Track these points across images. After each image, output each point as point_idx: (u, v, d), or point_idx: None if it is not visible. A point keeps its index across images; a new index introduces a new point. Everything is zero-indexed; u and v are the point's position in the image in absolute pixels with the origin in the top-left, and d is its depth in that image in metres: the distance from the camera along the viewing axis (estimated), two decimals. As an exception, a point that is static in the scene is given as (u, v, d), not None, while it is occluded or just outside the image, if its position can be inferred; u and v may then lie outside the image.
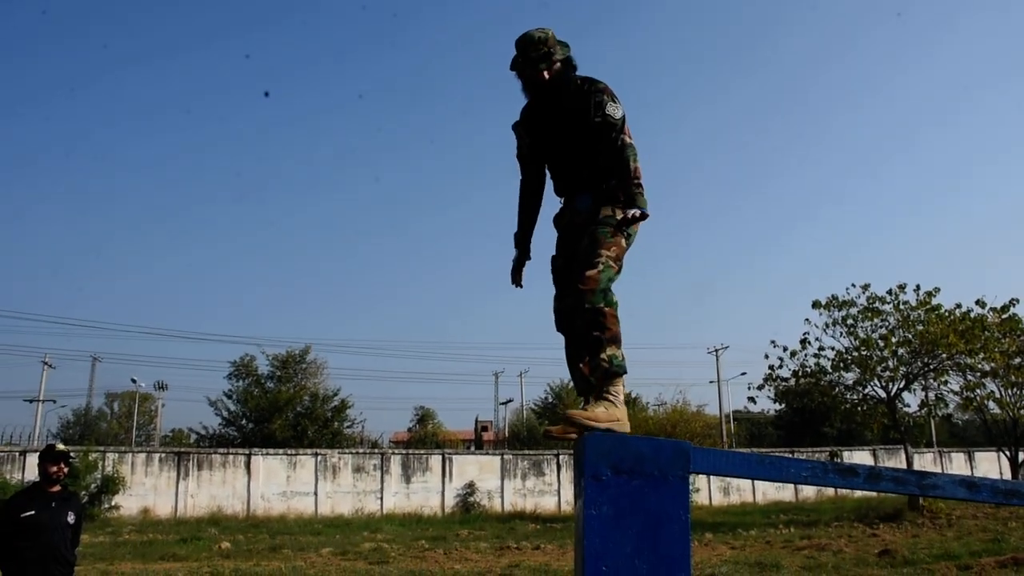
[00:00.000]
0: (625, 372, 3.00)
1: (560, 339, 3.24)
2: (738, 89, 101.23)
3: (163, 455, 26.49)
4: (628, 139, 3.13)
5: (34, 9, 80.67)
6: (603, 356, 2.96)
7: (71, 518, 5.45)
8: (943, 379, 22.45)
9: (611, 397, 2.95)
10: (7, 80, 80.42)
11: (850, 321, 22.85)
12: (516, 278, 3.49)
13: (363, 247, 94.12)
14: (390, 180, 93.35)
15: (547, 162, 3.41)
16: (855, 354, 22.65)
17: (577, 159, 3.26)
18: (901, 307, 22.43)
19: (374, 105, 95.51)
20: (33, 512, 5.24)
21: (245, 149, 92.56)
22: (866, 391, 23.50)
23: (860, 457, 35.16)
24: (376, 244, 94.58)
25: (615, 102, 3.15)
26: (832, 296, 23.16)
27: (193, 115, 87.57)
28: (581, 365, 3.07)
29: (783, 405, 44.21)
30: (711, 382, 49.14)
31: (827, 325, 23.18)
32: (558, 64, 3.22)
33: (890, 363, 22.28)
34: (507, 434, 49.21)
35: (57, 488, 5.43)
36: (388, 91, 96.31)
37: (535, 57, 3.18)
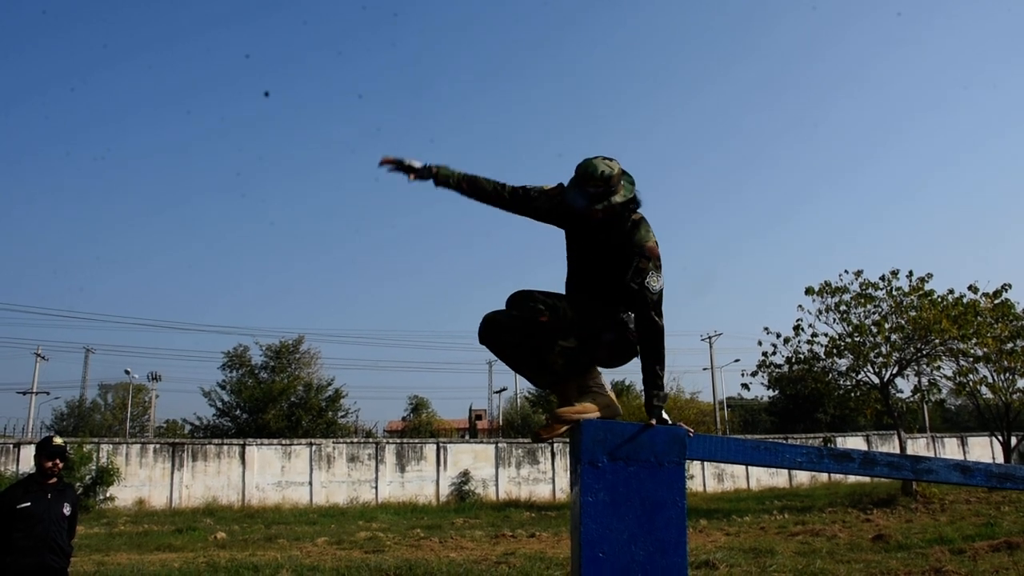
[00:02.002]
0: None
1: None
2: (731, 78, 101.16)
3: (157, 446, 26.42)
4: (661, 321, 2.84)
5: (34, 8, 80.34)
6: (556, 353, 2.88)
7: (67, 509, 5.46)
8: (936, 364, 22.52)
9: (595, 388, 2.93)
10: (7, 77, 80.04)
11: (843, 307, 22.88)
12: (389, 160, 3.07)
13: (356, 238, 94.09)
14: (386, 176, 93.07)
15: (578, 273, 3.10)
16: (848, 340, 22.68)
17: (613, 297, 2.97)
18: (894, 293, 22.47)
19: (374, 104, 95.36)
20: (29, 504, 5.25)
21: (241, 143, 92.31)
22: (859, 377, 23.58)
23: (853, 443, 35.30)
24: (369, 235, 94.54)
25: (658, 271, 2.83)
26: (825, 282, 23.21)
27: (191, 112, 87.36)
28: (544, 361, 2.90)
29: (776, 392, 44.28)
30: (704, 369, 49.38)
31: (820, 311, 23.23)
32: (617, 205, 2.84)
33: (883, 349, 22.32)
34: (501, 422, 49.28)
35: (53, 480, 5.44)
36: (388, 90, 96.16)
37: (593, 194, 2.80)
